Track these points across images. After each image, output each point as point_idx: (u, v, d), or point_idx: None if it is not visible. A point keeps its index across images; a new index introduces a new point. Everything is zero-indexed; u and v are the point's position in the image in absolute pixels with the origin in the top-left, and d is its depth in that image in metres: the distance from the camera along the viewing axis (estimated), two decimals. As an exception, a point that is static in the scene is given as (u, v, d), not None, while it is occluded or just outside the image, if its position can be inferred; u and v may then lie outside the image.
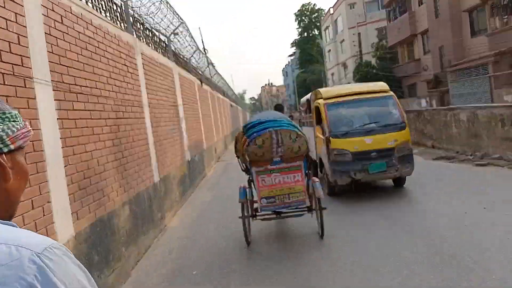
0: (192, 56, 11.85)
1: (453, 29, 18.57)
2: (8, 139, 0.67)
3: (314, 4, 64.19)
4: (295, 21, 66.60)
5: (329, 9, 44.92)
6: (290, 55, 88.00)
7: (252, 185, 4.97)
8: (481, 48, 16.81)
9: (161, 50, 8.04)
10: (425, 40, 22.80)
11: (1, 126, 0.66)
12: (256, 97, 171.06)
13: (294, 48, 75.78)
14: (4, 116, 0.67)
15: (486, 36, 16.38)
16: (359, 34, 31.89)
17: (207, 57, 16.64)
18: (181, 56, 10.51)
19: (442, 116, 11.83)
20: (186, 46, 10.57)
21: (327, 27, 47.95)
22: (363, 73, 27.56)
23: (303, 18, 65.56)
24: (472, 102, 17.22)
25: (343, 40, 41.25)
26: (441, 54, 20.07)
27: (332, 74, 47.07)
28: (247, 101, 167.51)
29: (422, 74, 23.06)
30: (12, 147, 0.68)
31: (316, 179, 4.91)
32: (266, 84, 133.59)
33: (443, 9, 19.08)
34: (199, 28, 15.15)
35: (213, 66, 17.90)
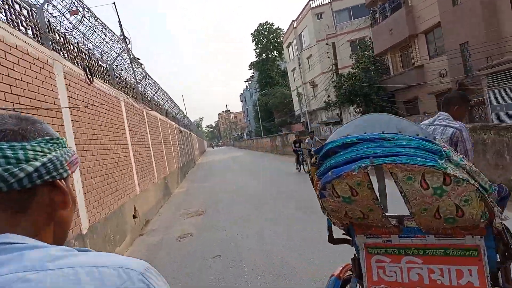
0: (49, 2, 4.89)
1: (484, 18, 13.41)
2: (66, 164, 0.64)
3: (272, 24, 59.98)
4: (253, 41, 62.07)
5: (291, 22, 40.00)
6: (248, 79, 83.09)
7: (362, 271, 1.91)
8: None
9: None
10: (430, 40, 17.72)
11: (58, 152, 0.63)
12: (214, 125, 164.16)
13: (252, 71, 70.87)
14: (58, 142, 0.64)
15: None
16: (333, 43, 26.73)
17: (127, 47, 9.68)
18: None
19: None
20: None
21: (290, 43, 42.82)
22: (347, 87, 22.02)
23: (261, 38, 61.19)
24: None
25: (311, 55, 36.22)
26: (463, 54, 14.86)
27: (298, 94, 41.68)
28: (204, 128, 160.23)
29: (429, 84, 17.80)
30: (69, 172, 0.65)
31: None
32: (223, 111, 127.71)
33: (466, -8, 14.01)
34: (113, 3, 8.19)
35: (141, 65, 10.94)
